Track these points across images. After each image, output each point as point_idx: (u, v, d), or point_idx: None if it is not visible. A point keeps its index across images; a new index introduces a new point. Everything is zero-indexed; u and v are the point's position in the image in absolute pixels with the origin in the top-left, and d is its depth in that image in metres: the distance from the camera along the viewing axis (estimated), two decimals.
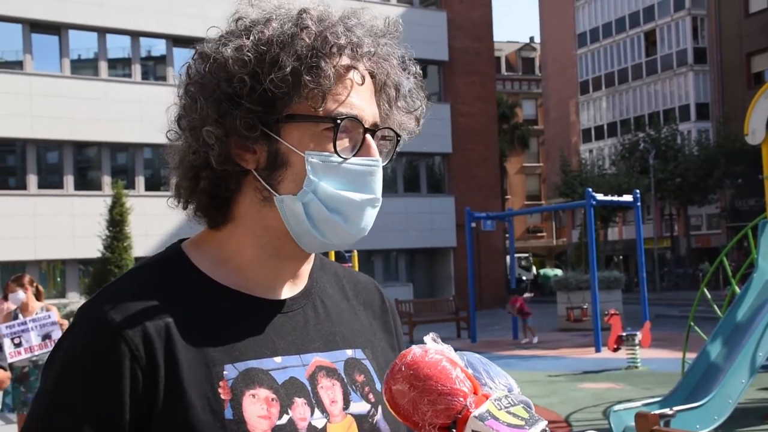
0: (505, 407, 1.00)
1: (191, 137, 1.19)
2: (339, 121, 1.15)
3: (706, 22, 45.14)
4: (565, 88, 56.33)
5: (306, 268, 1.28)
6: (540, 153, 64.01)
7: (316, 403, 1.17)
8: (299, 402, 1.16)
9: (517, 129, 53.75)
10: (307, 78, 1.13)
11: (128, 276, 1.21)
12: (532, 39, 69.83)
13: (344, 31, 1.18)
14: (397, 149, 1.29)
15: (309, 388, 1.18)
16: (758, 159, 9.82)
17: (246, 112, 1.15)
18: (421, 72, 1.30)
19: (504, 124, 49.37)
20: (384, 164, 1.25)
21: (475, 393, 1.01)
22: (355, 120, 1.17)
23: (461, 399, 0.99)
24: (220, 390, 1.11)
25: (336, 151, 1.16)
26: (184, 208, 1.26)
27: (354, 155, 1.17)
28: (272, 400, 1.13)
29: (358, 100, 1.18)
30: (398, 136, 1.26)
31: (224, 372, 1.12)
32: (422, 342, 1.06)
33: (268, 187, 1.18)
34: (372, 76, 1.22)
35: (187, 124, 1.19)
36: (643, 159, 39.43)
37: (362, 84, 1.19)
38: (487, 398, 1.01)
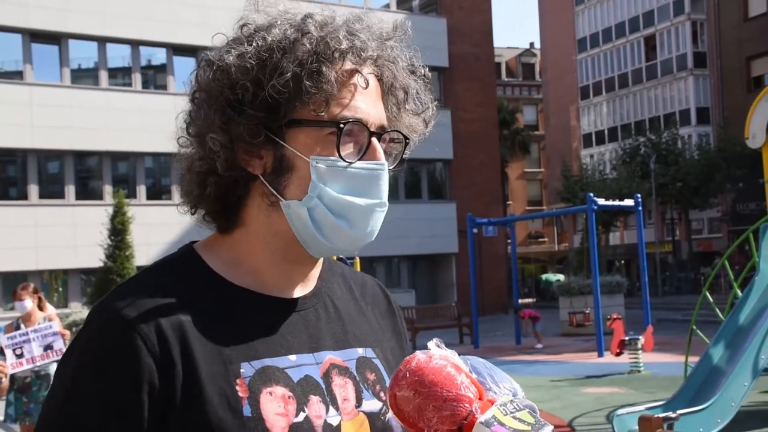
0: (511, 412, 1.00)
1: (198, 144, 1.20)
2: (342, 125, 1.15)
3: (706, 26, 45.14)
4: (566, 93, 56.33)
5: (316, 271, 1.29)
6: (541, 158, 63.97)
7: (330, 401, 1.18)
8: (314, 400, 1.16)
9: (518, 134, 53.74)
10: (308, 83, 1.14)
11: (141, 275, 1.21)
12: (532, 45, 69.86)
13: (346, 36, 1.18)
14: (407, 152, 1.28)
15: (323, 386, 1.18)
16: (759, 163, 9.82)
17: (249, 118, 1.15)
18: (429, 75, 1.30)
19: (505, 129, 49.35)
20: (393, 167, 1.26)
21: (480, 398, 1.01)
22: (360, 124, 1.17)
23: (466, 405, 0.99)
24: (237, 388, 1.11)
25: (340, 155, 1.16)
26: (192, 214, 1.26)
27: (359, 159, 1.17)
28: (289, 397, 1.14)
29: (364, 103, 1.18)
30: (406, 138, 1.26)
31: (241, 370, 1.12)
32: (426, 348, 1.06)
33: (275, 192, 1.18)
34: (379, 79, 1.22)
35: (194, 131, 1.20)
36: (644, 163, 39.40)
37: (366, 87, 1.18)
38: (492, 403, 1.01)
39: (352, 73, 1.18)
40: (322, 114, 1.16)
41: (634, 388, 12.12)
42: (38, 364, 7.17)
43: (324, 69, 1.14)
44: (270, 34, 1.17)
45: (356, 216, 1.18)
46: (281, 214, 1.19)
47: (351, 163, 1.17)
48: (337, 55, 1.16)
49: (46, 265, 25.21)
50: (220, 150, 1.17)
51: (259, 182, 1.20)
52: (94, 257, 22.13)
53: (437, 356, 1.02)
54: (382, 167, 1.19)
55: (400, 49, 1.25)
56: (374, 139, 1.19)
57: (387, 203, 1.21)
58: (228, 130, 1.16)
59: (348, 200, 1.16)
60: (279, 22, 1.19)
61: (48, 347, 7.15)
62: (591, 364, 15.43)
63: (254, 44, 1.17)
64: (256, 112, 1.15)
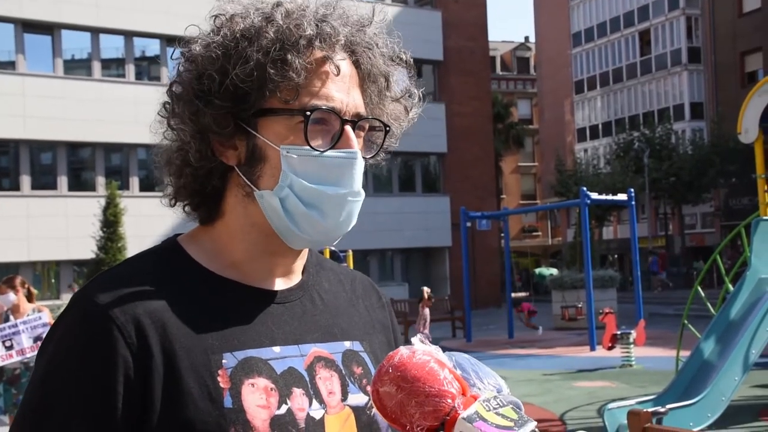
0: (494, 408, 1.00)
1: (174, 136, 1.20)
2: (309, 113, 1.14)
3: (701, 21, 45.18)
4: (560, 87, 56.32)
5: (299, 263, 1.27)
6: (535, 152, 64.00)
7: (313, 393, 1.17)
8: (297, 392, 1.15)
9: (512, 128, 53.75)
10: (272, 71, 1.12)
11: (124, 264, 1.20)
12: (527, 38, 69.83)
13: (313, 23, 1.16)
14: (393, 140, 1.27)
15: (307, 379, 1.17)
16: (751, 158, 9.84)
17: (216, 108, 1.14)
18: (412, 61, 1.29)
19: (499, 123, 49.36)
20: (373, 155, 1.24)
21: (463, 394, 1.01)
22: (331, 112, 1.15)
23: (449, 400, 0.99)
24: (219, 378, 1.10)
25: (308, 144, 1.14)
26: (172, 206, 1.26)
27: (331, 147, 1.16)
28: (271, 389, 1.13)
29: (337, 91, 1.16)
30: (386, 126, 1.24)
31: (223, 360, 1.11)
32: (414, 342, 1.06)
33: (249, 183, 1.18)
34: (357, 66, 1.21)
35: (169, 123, 1.20)
36: (638, 158, 39.46)
37: (338, 74, 1.17)
38: (475, 399, 1.00)
39: (324, 60, 1.16)
40: (293, 103, 1.14)
41: (626, 382, 12.15)
42: (28, 355, 7.14)
43: (289, 57, 1.13)
44: (237, 24, 1.16)
45: (327, 205, 1.16)
46: (257, 205, 1.18)
47: (322, 152, 1.15)
48: (303, 42, 1.14)
49: (38, 256, 25.15)
50: (190, 141, 1.17)
51: (235, 173, 1.19)
52: (86, 249, 22.10)
53: (421, 352, 1.01)
54: (354, 156, 1.17)
55: (379, 36, 1.23)
56: (347, 127, 1.17)
57: (362, 192, 1.20)
58: (196, 120, 1.16)
59: (318, 190, 1.15)
60: (251, 12, 1.18)
61: (38, 339, 7.12)
62: (583, 358, 15.47)
63: (221, 34, 1.16)
64: (222, 102, 1.14)
